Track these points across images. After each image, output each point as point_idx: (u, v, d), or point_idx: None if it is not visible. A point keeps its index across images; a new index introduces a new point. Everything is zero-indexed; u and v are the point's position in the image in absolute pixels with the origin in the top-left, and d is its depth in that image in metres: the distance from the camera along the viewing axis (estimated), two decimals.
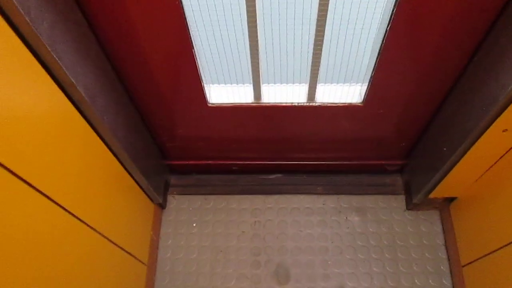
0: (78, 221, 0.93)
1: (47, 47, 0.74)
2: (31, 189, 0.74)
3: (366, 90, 1.20)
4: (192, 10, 0.96)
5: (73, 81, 0.84)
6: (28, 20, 0.68)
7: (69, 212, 0.88)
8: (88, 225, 0.98)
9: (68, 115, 0.88)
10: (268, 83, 1.27)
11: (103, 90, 1.00)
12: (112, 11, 0.92)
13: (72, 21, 0.84)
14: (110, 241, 1.11)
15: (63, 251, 0.87)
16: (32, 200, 0.75)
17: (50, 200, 0.81)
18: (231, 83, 1.28)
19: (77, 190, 0.92)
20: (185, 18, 0.96)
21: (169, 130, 1.42)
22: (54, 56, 0.76)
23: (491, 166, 1.17)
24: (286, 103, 1.28)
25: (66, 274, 0.88)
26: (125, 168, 1.21)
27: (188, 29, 0.99)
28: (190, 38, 1.02)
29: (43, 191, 0.78)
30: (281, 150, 1.55)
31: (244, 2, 0.92)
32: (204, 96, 1.24)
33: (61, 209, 0.85)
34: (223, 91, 1.29)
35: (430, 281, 1.46)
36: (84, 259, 0.97)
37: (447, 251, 1.51)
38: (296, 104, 1.28)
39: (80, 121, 0.93)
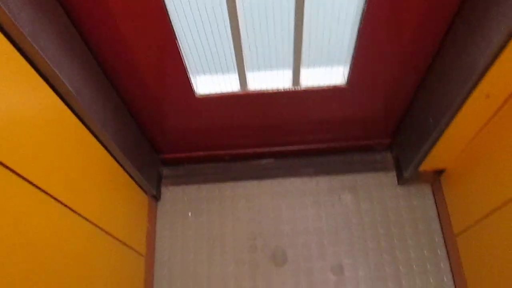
0: (75, 214, 0.94)
1: (29, 40, 0.74)
2: (27, 184, 0.75)
3: (349, 71, 1.21)
4: (173, 2, 0.96)
5: (58, 73, 0.84)
6: (9, 15, 0.68)
7: (65, 205, 0.89)
8: (84, 218, 0.98)
9: (55, 108, 0.88)
10: (253, 70, 1.27)
11: (89, 83, 1.00)
12: (93, 5, 0.92)
13: (53, 14, 0.84)
14: (107, 233, 1.12)
15: (61, 244, 0.88)
16: (29, 194, 0.76)
17: (46, 194, 0.81)
18: (217, 73, 1.28)
19: (72, 183, 0.93)
20: (166, 11, 0.96)
21: (159, 123, 1.43)
22: (37, 49, 0.76)
23: (476, 134, 1.19)
24: (272, 89, 1.29)
25: (65, 267, 0.89)
26: (117, 161, 1.22)
27: (171, 22, 0.99)
28: (173, 30, 1.02)
29: (39, 186, 0.78)
30: (271, 136, 1.56)
31: None
32: (191, 88, 1.25)
33: (57, 203, 0.86)
34: (210, 81, 1.30)
35: (425, 252, 1.49)
36: (83, 251, 0.98)
37: (440, 223, 1.53)
38: (282, 89, 1.29)
39: (68, 114, 0.93)
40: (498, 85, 0.96)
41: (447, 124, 1.13)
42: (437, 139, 1.21)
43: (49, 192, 0.82)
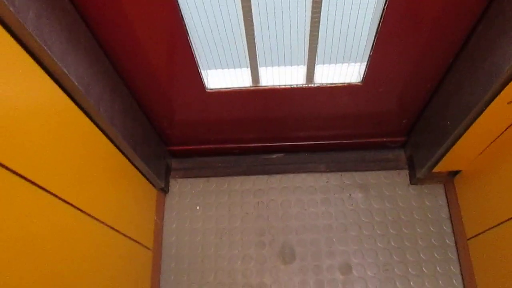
0: (81, 213, 0.92)
1: (34, 36, 0.72)
2: (30, 185, 0.73)
3: (365, 69, 1.17)
4: None
5: (65, 70, 0.82)
6: (13, 10, 0.66)
7: (71, 205, 0.88)
8: (91, 216, 0.97)
9: (62, 105, 0.86)
10: (266, 66, 1.24)
11: (97, 79, 0.97)
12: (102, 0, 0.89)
13: (60, 9, 0.81)
14: (115, 229, 1.11)
15: (68, 244, 0.86)
16: (32, 195, 0.74)
17: (51, 194, 0.80)
18: (228, 68, 1.25)
19: (78, 182, 0.91)
20: (178, 5, 0.93)
21: (168, 116, 1.40)
22: (43, 45, 0.74)
23: (495, 139, 1.15)
24: (285, 85, 1.25)
25: (71, 266, 0.88)
26: (125, 155, 1.20)
27: (182, 15, 0.96)
28: (184, 24, 0.99)
29: (43, 186, 0.77)
30: (282, 130, 1.53)
31: None
32: (202, 82, 1.22)
33: (63, 203, 0.84)
34: (221, 76, 1.27)
35: (435, 254, 1.47)
36: (89, 250, 0.97)
37: (452, 225, 1.50)
38: (295, 86, 1.25)
39: (75, 111, 0.91)
40: None
41: (465, 128, 1.09)
42: (454, 142, 1.17)
43: (52, 191, 0.80)
